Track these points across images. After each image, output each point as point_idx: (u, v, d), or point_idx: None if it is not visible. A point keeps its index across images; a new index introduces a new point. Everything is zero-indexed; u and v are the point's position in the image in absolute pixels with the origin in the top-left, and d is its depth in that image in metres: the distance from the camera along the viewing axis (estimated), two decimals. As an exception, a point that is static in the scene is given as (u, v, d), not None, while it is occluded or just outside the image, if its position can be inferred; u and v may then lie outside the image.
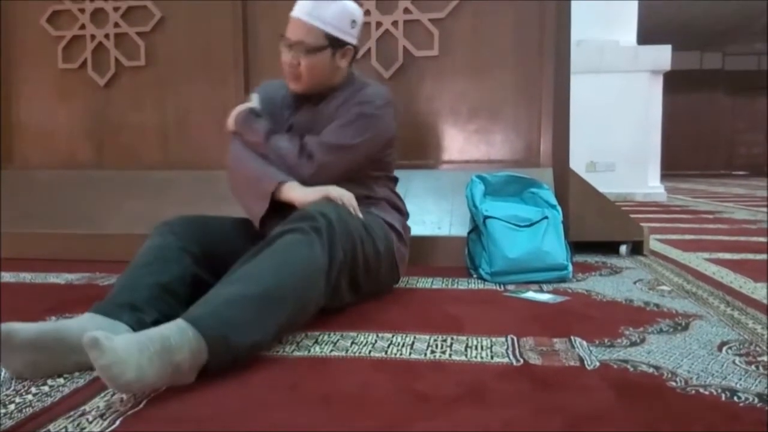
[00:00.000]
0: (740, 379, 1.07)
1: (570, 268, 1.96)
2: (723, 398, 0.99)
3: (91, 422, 0.91)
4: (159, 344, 1.00)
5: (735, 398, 0.99)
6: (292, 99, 1.74)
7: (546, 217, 2.00)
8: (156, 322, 1.22)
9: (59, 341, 1.10)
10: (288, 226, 1.34)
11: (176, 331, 1.04)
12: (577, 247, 2.18)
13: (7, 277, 2.10)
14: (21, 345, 1.07)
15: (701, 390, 1.02)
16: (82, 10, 2.77)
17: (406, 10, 2.52)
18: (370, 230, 1.58)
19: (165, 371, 0.99)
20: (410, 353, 1.23)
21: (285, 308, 1.22)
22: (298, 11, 1.63)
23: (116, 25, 2.74)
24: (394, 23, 2.53)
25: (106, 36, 2.75)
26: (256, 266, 1.24)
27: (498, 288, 1.86)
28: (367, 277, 1.57)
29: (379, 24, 2.54)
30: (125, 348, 0.95)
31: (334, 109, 1.70)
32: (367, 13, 2.55)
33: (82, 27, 2.77)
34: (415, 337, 1.33)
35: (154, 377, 0.97)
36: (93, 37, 2.76)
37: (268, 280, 1.21)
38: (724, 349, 1.24)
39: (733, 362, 1.16)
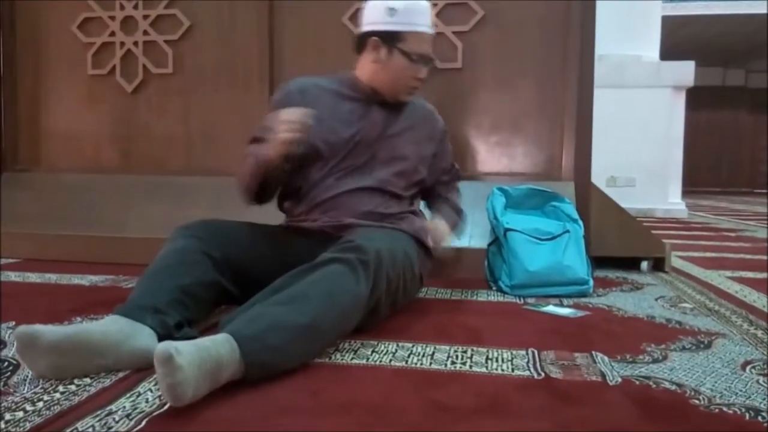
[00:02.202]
0: (764, 399, 1.06)
1: (591, 282, 1.95)
2: (747, 417, 0.98)
3: (117, 422, 0.92)
4: (215, 364, 1.01)
5: (759, 418, 0.98)
6: (356, 102, 1.73)
7: (567, 231, 1.99)
8: (178, 325, 1.24)
9: (83, 344, 1.12)
10: (338, 255, 1.34)
11: (229, 351, 1.05)
12: (597, 261, 2.16)
13: (33, 277, 2.14)
14: (45, 348, 1.08)
15: (725, 409, 1.01)
16: (112, 18, 2.82)
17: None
18: (409, 255, 1.59)
19: (211, 387, 1.02)
20: (430, 363, 1.24)
21: (323, 340, 1.26)
22: (430, 27, 1.71)
23: (145, 32, 2.80)
24: (419, 35, 2.55)
25: (135, 43, 2.81)
26: (305, 292, 1.24)
27: (518, 301, 1.86)
28: (404, 297, 1.59)
29: (403, 36, 2.56)
30: (189, 365, 0.96)
31: (412, 119, 1.79)
32: (391, 24, 2.57)
33: (112, 34, 2.83)
34: (435, 348, 1.34)
35: (203, 393, 1.00)
36: (122, 44, 2.82)
37: (315, 310, 1.21)
38: (748, 368, 1.23)
39: (757, 382, 1.15)
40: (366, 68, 1.72)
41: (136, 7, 2.80)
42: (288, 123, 1.45)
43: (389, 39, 1.65)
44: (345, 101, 1.72)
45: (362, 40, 1.70)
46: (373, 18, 1.67)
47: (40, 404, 0.99)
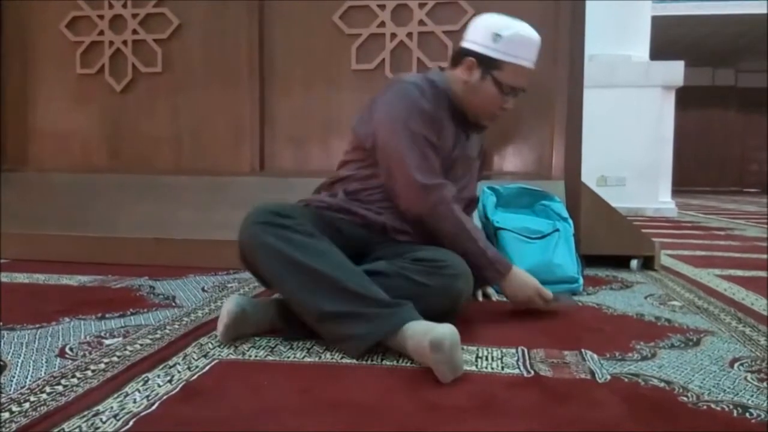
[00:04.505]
0: (752, 396, 1.06)
1: (581, 281, 1.96)
2: (734, 414, 0.99)
3: (104, 422, 0.92)
4: None
5: (747, 415, 0.99)
6: (454, 125, 1.67)
7: (557, 230, 2.00)
8: None
9: None
10: (432, 273, 1.41)
11: None
12: (587, 260, 2.17)
13: (21, 277, 2.12)
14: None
15: (713, 406, 1.02)
16: (101, 17, 2.81)
17: (421, 22, 2.54)
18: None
19: None
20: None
21: None
22: (533, 62, 1.63)
23: (134, 31, 2.78)
24: (409, 35, 2.55)
25: (124, 42, 2.79)
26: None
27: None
28: None
29: (393, 35, 2.56)
30: None
31: (474, 144, 1.77)
32: (381, 24, 2.58)
33: (101, 33, 2.81)
34: (425, 347, 1.33)
35: None
36: (111, 43, 2.80)
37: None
38: (736, 365, 1.24)
39: (745, 379, 1.15)
40: (456, 85, 1.66)
41: (125, 5, 2.78)
42: (548, 301, 1.62)
43: (486, 64, 1.59)
44: (445, 116, 1.65)
45: (459, 56, 1.64)
46: (476, 38, 1.61)
47: (27, 405, 0.98)
